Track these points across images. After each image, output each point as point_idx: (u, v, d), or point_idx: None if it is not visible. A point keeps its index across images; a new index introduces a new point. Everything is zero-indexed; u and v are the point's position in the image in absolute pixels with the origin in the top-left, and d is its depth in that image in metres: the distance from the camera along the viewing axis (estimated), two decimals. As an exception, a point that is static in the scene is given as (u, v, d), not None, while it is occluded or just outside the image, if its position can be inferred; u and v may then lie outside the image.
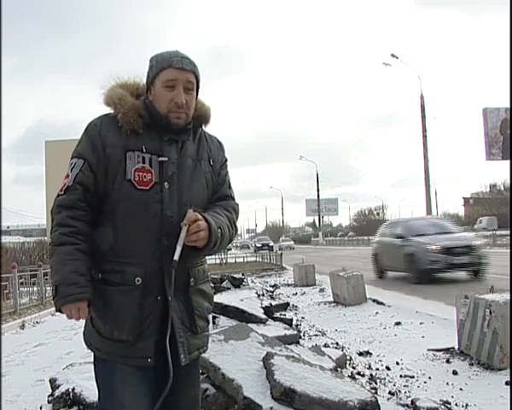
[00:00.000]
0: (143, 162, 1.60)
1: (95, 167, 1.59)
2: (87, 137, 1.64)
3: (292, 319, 6.40)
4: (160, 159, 1.61)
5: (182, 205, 1.61)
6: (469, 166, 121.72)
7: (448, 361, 4.34)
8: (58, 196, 1.61)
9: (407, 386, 3.78)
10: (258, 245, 43.25)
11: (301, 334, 5.87)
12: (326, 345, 5.14)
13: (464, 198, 60.75)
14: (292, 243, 53.00)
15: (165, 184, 1.60)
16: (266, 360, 3.19)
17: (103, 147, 1.60)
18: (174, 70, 1.61)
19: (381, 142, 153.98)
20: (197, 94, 1.71)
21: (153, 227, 1.58)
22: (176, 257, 1.53)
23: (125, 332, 1.56)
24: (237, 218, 1.79)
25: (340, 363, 4.28)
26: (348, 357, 4.64)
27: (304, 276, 12.39)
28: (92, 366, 1.69)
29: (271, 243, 44.52)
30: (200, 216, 1.56)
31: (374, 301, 8.15)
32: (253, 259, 24.40)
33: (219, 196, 1.76)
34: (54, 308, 10.14)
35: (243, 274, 11.31)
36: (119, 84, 1.71)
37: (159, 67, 1.63)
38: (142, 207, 1.57)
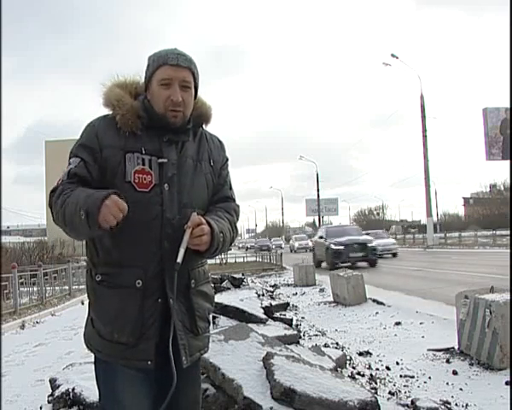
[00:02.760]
0: (143, 164, 1.58)
1: (91, 167, 1.58)
2: (84, 138, 1.63)
3: (292, 319, 6.41)
4: (160, 160, 1.60)
5: (182, 207, 1.61)
6: (469, 166, 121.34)
7: (448, 361, 4.34)
8: (53, 190, 1.59)
9: (407, 386, 3.78)
10: (333, 247, 17.08)
11: (301, 334, 5.87)
12: (326, 345, 5.15)
13: (464, 198, 60.76)
14: (392, 241, 24.89)
15: (165, 185, 1.59)
16: (266, 360, 3.19)
17: (100, 148, 1.59)
18: (169, 67, 1.60)
19: (381, 142, 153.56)
20: (196, 92, 1.69)
21: (153, 229, 1.57)
22: (179, 259, 1.52)
23: (126, 334, 1.56)
24: (238, 220, 1.77)
25: (340, 363, 4.28)
26: (348, 357, 4.64)
27: (304, 276, 12.40)
28: (92, 366, 1.69)
29: (373, 243, 17.73)
30: (203, 220, 1.55)
31: (374, 301, 8.16)
32: (253, 259, 24.41)
33: (220, 198, 1.75)
34: (54, 308, 10.20)
35: (243, 274, 11.32)
36: (117, 83, 1.69)
37: (155, 66, 1.62)
38: (143, 209, 1.57)
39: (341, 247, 16.73)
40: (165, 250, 1.57)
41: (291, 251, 39.14)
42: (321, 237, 18.84)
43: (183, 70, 1.62)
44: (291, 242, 43.77)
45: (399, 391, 3.66)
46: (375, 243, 18.00)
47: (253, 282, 10.94)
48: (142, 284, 1.56)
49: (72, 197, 1.50)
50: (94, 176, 1.58)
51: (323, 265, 18.04)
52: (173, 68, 1.60)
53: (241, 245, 63.86)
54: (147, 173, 1.58)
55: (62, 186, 1.56)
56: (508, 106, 30.25)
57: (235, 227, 1.73)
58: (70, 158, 1.62)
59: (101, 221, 1.42)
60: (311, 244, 38.61)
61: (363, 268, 15.20)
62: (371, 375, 4.08)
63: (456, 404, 3.32)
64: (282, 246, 50.95)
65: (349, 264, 15.95)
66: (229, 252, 21.98)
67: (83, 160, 1.59)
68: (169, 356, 1.52)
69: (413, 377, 3.99)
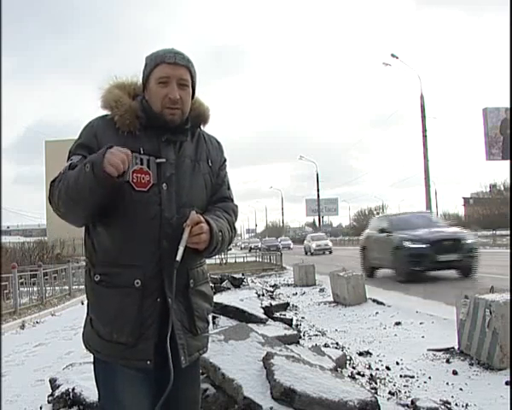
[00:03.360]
0: (141, 164, 1.59)
1: None
2: (83, 137, 1.63)
3: (292, 319, 6.41)
4: (158, 160, 1.61)
5: (180, 206, 1.61)
6: (469, 166, 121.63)
7: (448, 361, 4.34)
8: (53, 180, 1.58)
9: (407, 386, 3.78)
10: (410, 245, 10.62)
11: (301, 334, 5.87)
12: (326, 345, 5.15)
13: (464, 198, 60.73)
14: None
15: (164, 185, 1.60)
16: (266, 360, 3.19)
17: (99, 148, 1.57)
18: (167, 66, 1.61)
19: (381, 142, 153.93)
20: (194, 92, 1.69)
21: (152, 229, 1.57)
22: (178, 258, 1.52)
23: (125, 334, 1.56)
24: (236, 219, 1.78)
25: (340, 363, 4.28)
26: (348, 357, 4.64)
27: (304, 276, 12.40)
28: (92, 366, 1.69)
29: (470, 239, 11.28)
30: (202, 218, 1.56)
31: (374, 301, 8.16)
32: (253, 259, 24.40)
33: (218, 198, 1.75)
34: (54, 308, 10.24)
35: (243, 274, 11.32)
36: (115, 84, 1.70)
37: (152, 64, 1.63)
38: (141, 208, 1.57)
39: (423, 245, 10.56)
40: (163, 250, 1.57)
41: (306, 253, 32.49)
42: (382, 231, 12.11)
43: (181, 68, 1.62)
44: (306, 242, 35.40)
45: (399, 391, 3.66)
46: (470, 239, 11.43)
47: (253, 282, 10.95)
48: (140, 283, 1.56)
49: (75, 169, 1.50)
50: None
51: (380, 273, 12.22)
52: (171, 66, 1.61)
53: (243, 245, 58.78)
54: (145, 173, 1.59)
55: (63, 174, 1.55)
56: (508, 106, 30.24)
57: (234, 227, 1.74)
58: (69, 156, 1.62)
59: (107, 166, 1.42)
60: (331, 245, 32.79)
61: (360, 268, 11.98)
62: (371, 375, 4.08)
63: (456, 404, 3.32)
64: (291, 246, 46.75)
65: (431, 272, 10.76)
66: (229, 252, 21.99)
67: (84, 156, 1.59)
68: (166, 354, 1.52)
69: (413, 377, 3.99)
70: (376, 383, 3.87)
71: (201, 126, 1.77)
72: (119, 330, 1.56)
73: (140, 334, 1.56)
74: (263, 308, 5.83)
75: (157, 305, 1.58)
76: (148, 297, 1.57)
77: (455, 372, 4.01)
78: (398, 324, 6.26)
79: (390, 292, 9.53)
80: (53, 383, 3.66)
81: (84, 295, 1.72)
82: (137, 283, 1.56)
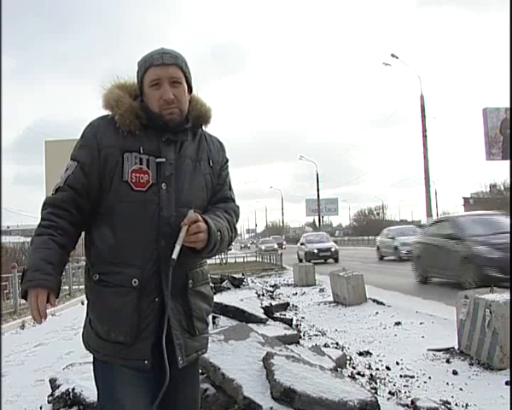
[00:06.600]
0: (140, 163, 1.59)
1: (88, 169, 1.59)
2: (83, 139, 1.64)
3: (292, 319, 6.41)
4: (158, 160, 1.61)
5: (179, 206, 1.61)
6: (469, 166, 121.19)
7: (448, 361, 4.34)
8: (45, 203, 1.62)
9: (407, 386, 3.78)
10: None
11: (301, 334, 5.87)
12: (326, 345, 5.15)
13: (464, 198, 60.63)
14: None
15: (163, 185, 1.60)
16: (266, 360, 3.19)
17: (99, 149, 1.59)
18: (156, 68, 1.61)
19: (381, 142, 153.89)
20: (190, 87, 1.69)
21: (150, 228, 1.57)
22: (174, 256, 1.52)
23: (123, 334, 1.56)
24: (237, 220, 1.77)
25: (340, 363, 4.28)
26: (348, 357, 4.64)
27: (304, 276, 12.41)
28: (92, 366, 1.69)
29: None
30: (200, 217, 1.56)
31: (374, 301, 8.17)
32: (253, 259, 24.39)
33: (219, 198, 1.75)
34: (54, 308, 10.30)
35: (243, 274, 11.33)
36: (117, 85, 1.70)
37: (143, 69, 1.64)
38: (140, 208, 1.57)
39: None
40: (161, 249, 1.57)
41: None
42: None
43: (170, 67, 1.62)
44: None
45: (399, 391, 3.66)
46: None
47: (253, 282, 10.96)
48: (138, 282, 1.56)
49: (37, 243, 1.56)
50: (91, 180, 1.59)
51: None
52: (159, 68, 1.61)
53: (263, 247, 36.06)
54: (144, 172, 1.59)
55: (52, 201, 1.60)
56: (508, 106, 30.22)
57: (234, 227, 1.73)
58: (70, 160, 1.63)
59: (26, 297, 1.51)
60: None
61: (359, 269, 13.66)
62: (371, 375, 4.08)
63: (456, 404, 3.32)
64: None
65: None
66: (229, 252, 21.96)
67: (80, 163, 1.60)
68: (163, 354, 1.52)
69: (413, 377, 3.99)
70: (376, 383, 3.87)
71: (203, 127, 1.77)
72: (116, 329, 1.56)
73: (138, 333, 1.56)
74: (263, 308, 5.83)
75: (155, 304, 1.58)
76: (145, 297, 1.57)
77: (455, 372, 4.01)
78: (398, 324, 6.26)
79: (390, 292, 9.53)
80: (53, 383, 3.66)
81: (84, 295, 1.72)
82: (135, 282, 1.56)
